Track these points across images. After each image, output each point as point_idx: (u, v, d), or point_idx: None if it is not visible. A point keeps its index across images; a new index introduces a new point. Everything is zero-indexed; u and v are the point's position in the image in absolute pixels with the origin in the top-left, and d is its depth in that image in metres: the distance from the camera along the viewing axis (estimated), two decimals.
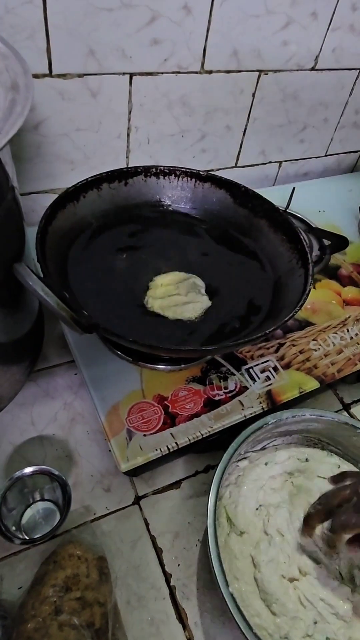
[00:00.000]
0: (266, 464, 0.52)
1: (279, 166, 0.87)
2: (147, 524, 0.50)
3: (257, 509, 0.48)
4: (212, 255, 0.57)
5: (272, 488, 0.50)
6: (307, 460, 0.53)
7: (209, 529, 0.41)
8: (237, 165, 0.81)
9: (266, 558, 0.45)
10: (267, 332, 0.42)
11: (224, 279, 0.55)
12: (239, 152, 0.80)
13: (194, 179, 0.60)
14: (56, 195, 0.51)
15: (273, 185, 0.90)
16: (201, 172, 0.59)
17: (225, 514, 0.48)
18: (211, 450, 0.54)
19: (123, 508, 0.51)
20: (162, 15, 0.56)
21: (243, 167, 0.82)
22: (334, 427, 0.52)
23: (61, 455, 0.53)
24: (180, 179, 0.60)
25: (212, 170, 0.79)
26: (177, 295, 0.51)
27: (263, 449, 0.53)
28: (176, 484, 0.53)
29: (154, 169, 0.59)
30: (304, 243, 0.52)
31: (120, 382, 0.51)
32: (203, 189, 0.60)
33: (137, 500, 0.52)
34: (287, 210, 0.78)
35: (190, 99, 0.67)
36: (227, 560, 0.45)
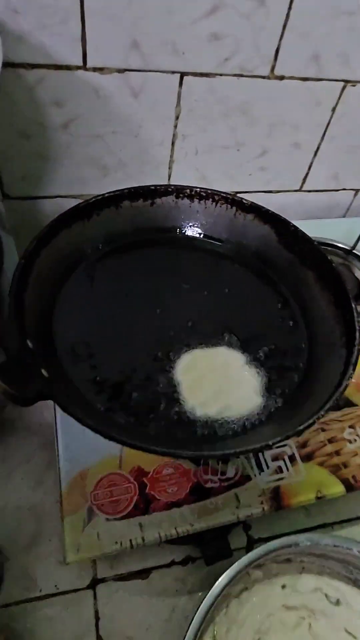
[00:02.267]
0: (283, 586, 0.41)
1: (355, 195, 0.73)
2: (97, 619, 0.42)
3: None
4: (238, 307, 0.47)
5: (282, 622, 0.40)
6: (338, 602, 0.41)
7: None
8: (302, 189, 0.69)
9: None
10: (270, 444, 0.31)
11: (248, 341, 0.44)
12: (307, 174, 0.67)
13: (234, 208, 0.49)
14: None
15: (344, 216, 0.76)
16: (244, 201, 0.49)
17: (212, 635, 0.38)
18: (192, 543, 0.45)
19: (74, 591, 0.43)
20: (227, 5, 0.46)
21: (309, 191, 0.70)
22: None
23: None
24: (219, 205, 0.50)
25: (270, 191, 0.67)
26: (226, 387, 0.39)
27: (287, 561, 0.43)
28: (144, 573, 0.44)
29: (188, 190, 0.49)
30: (354, 313, 0.40)
31: (96, 442, 0.43)
32: (244, 220, 0.50)
33: (94, 583, 0.43)
34: (353, 251, 0.65)
35: (252, 108, 0.56)
36: None
